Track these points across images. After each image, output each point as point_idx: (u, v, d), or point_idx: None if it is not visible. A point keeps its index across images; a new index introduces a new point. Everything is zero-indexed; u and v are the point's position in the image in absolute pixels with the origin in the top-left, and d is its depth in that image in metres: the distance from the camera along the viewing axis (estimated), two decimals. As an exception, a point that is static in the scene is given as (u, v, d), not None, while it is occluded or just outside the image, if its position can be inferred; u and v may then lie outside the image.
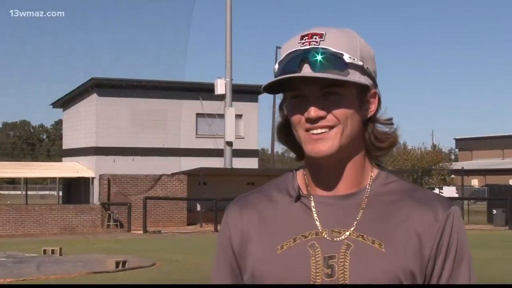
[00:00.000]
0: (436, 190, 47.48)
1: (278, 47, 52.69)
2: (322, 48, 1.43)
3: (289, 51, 1.46)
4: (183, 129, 32.85)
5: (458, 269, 1.48)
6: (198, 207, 30.55)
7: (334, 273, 1.42)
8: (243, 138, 33.78)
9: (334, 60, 1.43)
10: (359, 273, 1.42)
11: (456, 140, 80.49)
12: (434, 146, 63.21)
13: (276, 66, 1.47)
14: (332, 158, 1.46)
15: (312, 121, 1.43)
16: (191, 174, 30.04)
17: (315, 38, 1.45)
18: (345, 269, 1.42)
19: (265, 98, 60.98)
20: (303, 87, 1.44)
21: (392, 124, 1.54)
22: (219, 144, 32.29)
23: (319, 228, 1.47)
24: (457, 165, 55.45)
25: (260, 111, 34.74)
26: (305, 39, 1.46)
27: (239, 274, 1.55)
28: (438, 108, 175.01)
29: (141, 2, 51.09)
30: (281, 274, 1.45)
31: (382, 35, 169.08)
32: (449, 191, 46.65)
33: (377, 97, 1.51)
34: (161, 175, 30.44)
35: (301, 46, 1.45)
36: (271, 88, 1.48)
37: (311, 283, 1.43)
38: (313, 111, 1.43)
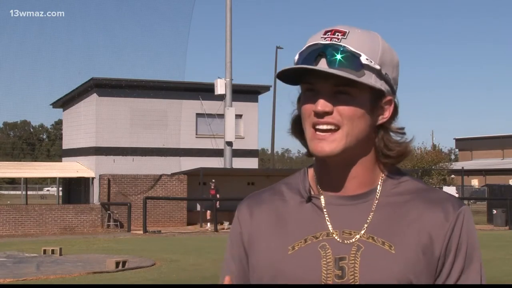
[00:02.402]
0: (436, 190, 47.39)
1: (278, 47, 52.68)
2: (342, 46, 1.42)
3: (310, 44, 1.46)
4: (183, 129, 32.83)
5: (468, 269, 1.47)
6: (198, 207, 30.55)
7: (344, 274, 1.43)
8: (243, 138, 33.76)
9: (351, 59, 1.42)
10: (370, 274, 1.42)
11: (456, 140, 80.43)
12: (434, 146, 63.23)
13: (297, 56, 1.47)
14: (336, 158, 1.45)
15: (319, 115, 1.43)
16: (191, 174, 30.03)
17: (337, 35, 1.44)
18: (355, 271, 1.42)
19: (265, 98, 60.92)
20: (317, 81, 1.44)
21: (403, 133, 1.52)
22: (219, 144, 32.28)
23: (330, 229, 1.47)
24: (457, 165, 55.42)
25: (260, 111, 34.73)
26: (328, 35, 1.45)
27: (247, 270, 1.56)
28: (438, 108, 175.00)
29: (141, 2, 50.96)
30: (291, 275, 1.45)
31: (382, 34, 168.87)
32: (449, 191, 46.64)
33: (393, 105, 1.49)
34: (161, 175, 30.44)
35: (323, 41, 1.44)
36: (287, 78, 1.47)
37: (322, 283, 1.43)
38: (320, 105, 1.42)
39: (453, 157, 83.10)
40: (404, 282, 1.42)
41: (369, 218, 1.47)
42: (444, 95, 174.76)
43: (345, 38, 1.44)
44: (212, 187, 28.31)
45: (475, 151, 74.88)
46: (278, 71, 1.45)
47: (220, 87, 30.46)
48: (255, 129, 34.84)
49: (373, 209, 1.48)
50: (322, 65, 1.42)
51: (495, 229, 28.66)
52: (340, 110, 1.42)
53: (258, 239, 1.53)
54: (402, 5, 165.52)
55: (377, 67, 1.44)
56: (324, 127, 1.43)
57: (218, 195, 28.16)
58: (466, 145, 77.17)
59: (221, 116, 31.40)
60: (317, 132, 1.44)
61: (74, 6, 46.69)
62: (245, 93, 33.44)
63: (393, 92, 1.50)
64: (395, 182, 1.52)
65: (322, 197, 1.51)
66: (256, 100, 34.87)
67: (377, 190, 1.50)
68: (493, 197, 33.64)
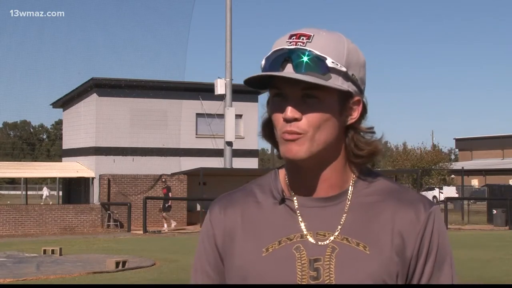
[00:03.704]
0: (436, 190, 47.56)
1: (278, 47, 52.59)
2: (307, 50, 1.43)
3: (276, 49, 1.46)
4: (183, 129, 32.84)
5: (440, 270, 1.49)
6: (198, 207, 30.55)
7: (320, 275, 1.43)
8: (243, 138, 33.77)
9: (317, 63, 1.42)
10: (345, 275, 1.43)
11: (456, 140, 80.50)
12: (434, 146, 63.30)
13: (263, 61, 1.48)
14: (306, 161, 1.46)
15: (288, 121, 1.44)
16: (191, 174, 30.03)
17: (302, 39, 1.45)
18: (330, 272, 1.43)
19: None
20: (284, 86, 1.44)
21: (373, 132, 1.53)
22: (219, 144, 32.28)
23: (303, 230, 1.48)
24: (457, 165, 55.45)
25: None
26: (293, 39, 1.45)
27: (222, 272, 1.55)
28: (438, 108, 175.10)
29: (141, 2, 50.95)
30: (266, 276, 1.45)
31: (383, 34, 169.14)
32: (449, 191, 46.68)
33: (361, 105, 1.50)
34: (161, 175, 30.44)
35: (288, 45, 1.45)
36: (255, 84, 1.48)
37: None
38: (289, 112, 1.43)
39: (453, 157, 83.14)
40: (379, 283, 1.43)
41: (342, 220, 1.48)
42: (444, 95, 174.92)
43: (310, 42, 1.44)
44: (164, 185, 27.66)
45: (475, 151, 74.94)
46: (245, 78, 1.45)
47: (220, 87, 30.45)
48: (255, 129, 34.82)
49: (346, 210, 1.49)
50: (289, 70, 1.43)
51: (495, 229, 28.64)
52: (308, 116, 1.43)
53: (232, 241, 1.52)
54: (402, 5, 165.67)
55: (343, 69, 1.45)
56: (294, 131, 1.44)
57: (170, 194, 27.55)
58: (466, 145, 77.23)
59: (221, 116, 31.40)
60: (287, 136, 1.44)
61: (74, 6, 46.73)
62: (245, 93, 33.42)
63: (360, 92, 1.51)
64: (367, 183, 1.53)
65: (295, 199, 1.51)
66: (256, 100, 34.88)
67: (349, 191, 1.51)
68: (493, 197, 33.63)
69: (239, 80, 33.04)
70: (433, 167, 49.78)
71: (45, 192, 55.71)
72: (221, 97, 30.86)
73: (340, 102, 1.47)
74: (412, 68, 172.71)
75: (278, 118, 1.46)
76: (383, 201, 1.51)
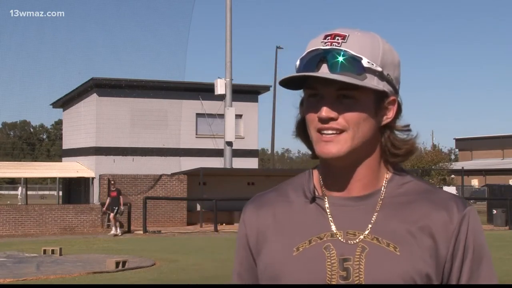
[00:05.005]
0: (436, 190, 47.39)
1: (278, 47, 52.68)
2: (342, 50, 1.43)
3: (311, 49, 1.46)
4: (183, 129, 32.83)
5: (478, 270, 1.48)
6: (198, 207, 30.55)
7: (349, 275, 1.43)
8: (243, 138, 33.76)
9: (353, 63, 1.42)
10: (375, 276, 1.42)
11: (456, 140, 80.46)
12: (434, 146, 63.28)
13: (298, 62, 1.47)
14: (342, 161, 1.45)
15: (323, 121, 1.43)
16: (191, 174, 30.02)
17: (337, 39, 1.44)
18: (360, 272, 1.42)
19: (265, 98, 60.89)
20: (320, 86, 1.44)
21: (409, 130, 1.53)
22: (219, 144, 32.28)
23: (334, 229, 1.47)
24: (457, 165, 55.44)
25: (260, 111, 34.75)
26: (328, 39, 1.45)
27: (255, 271, 1.57)
28: (438, 108, 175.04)
29: (141, 2, 50.99)
30: (296, 276, 1.45)
31: (382, 34, 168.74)
32: (449, 191, 46.60)
33: (396, 104, 1.50)
34: (161, 175, 30.43)
35: (323, 46, 1.44)
36: (289, 84, 1.47)
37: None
38: (324, 112, 1.42)
39: (453, 157, 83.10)
40: (410, 284, 1.42)
41: (373, 219, 1.47)
42: (444, 95, 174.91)
43: (346, 42, 1.44)
44: (113, 188, 26.38)
45: (475, 151, 74.91)
46: (280, 79, 1.45)
47: (220, 87, 30.44)
48: (255, 129, 34.85)
49: (377, 209, 1.48)
50: (324, 70, 1.42)
51: (495, 229, 28.63)
52: (345, 115, 1.43)
53: (264, 241, 1.53)
54: (402, 5, 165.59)
55: (379, 69, 1.45)
56: (329, 131, 1.44)
57: (121, 197, 26.16)
58: (466, 145, 77.20)
59: (221, 116, 31.39)
60: (323, 135, 1.44)
61: (74, 6, 46.74)
62: (245, 93, 33.42)
63: (395, 91, 1.50)
64: (400, 183, 1.52)
65: (326, 198, 1.51)
66: (256, 100, 34.86)
67: (382, 191, 1.50)
68: (493, 197, 33.62)
69: (239, 80, 33.09)
70: (433, 167, 49.74)
71: (20, 191, 55.49)
72: (221, 97, 30.86)
73: (376, 102, 1.46)
74: (412, 68, 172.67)
75: (312, 117, 1.45)
76: (415, 201, 1.49)
